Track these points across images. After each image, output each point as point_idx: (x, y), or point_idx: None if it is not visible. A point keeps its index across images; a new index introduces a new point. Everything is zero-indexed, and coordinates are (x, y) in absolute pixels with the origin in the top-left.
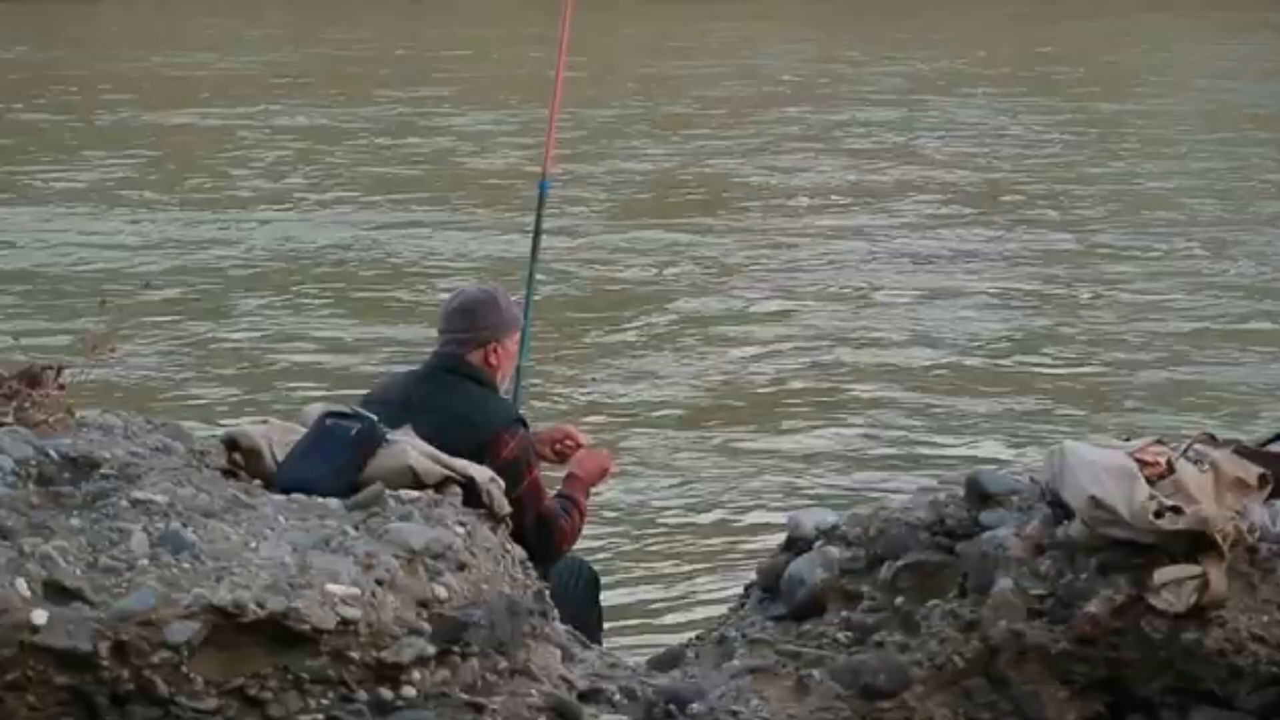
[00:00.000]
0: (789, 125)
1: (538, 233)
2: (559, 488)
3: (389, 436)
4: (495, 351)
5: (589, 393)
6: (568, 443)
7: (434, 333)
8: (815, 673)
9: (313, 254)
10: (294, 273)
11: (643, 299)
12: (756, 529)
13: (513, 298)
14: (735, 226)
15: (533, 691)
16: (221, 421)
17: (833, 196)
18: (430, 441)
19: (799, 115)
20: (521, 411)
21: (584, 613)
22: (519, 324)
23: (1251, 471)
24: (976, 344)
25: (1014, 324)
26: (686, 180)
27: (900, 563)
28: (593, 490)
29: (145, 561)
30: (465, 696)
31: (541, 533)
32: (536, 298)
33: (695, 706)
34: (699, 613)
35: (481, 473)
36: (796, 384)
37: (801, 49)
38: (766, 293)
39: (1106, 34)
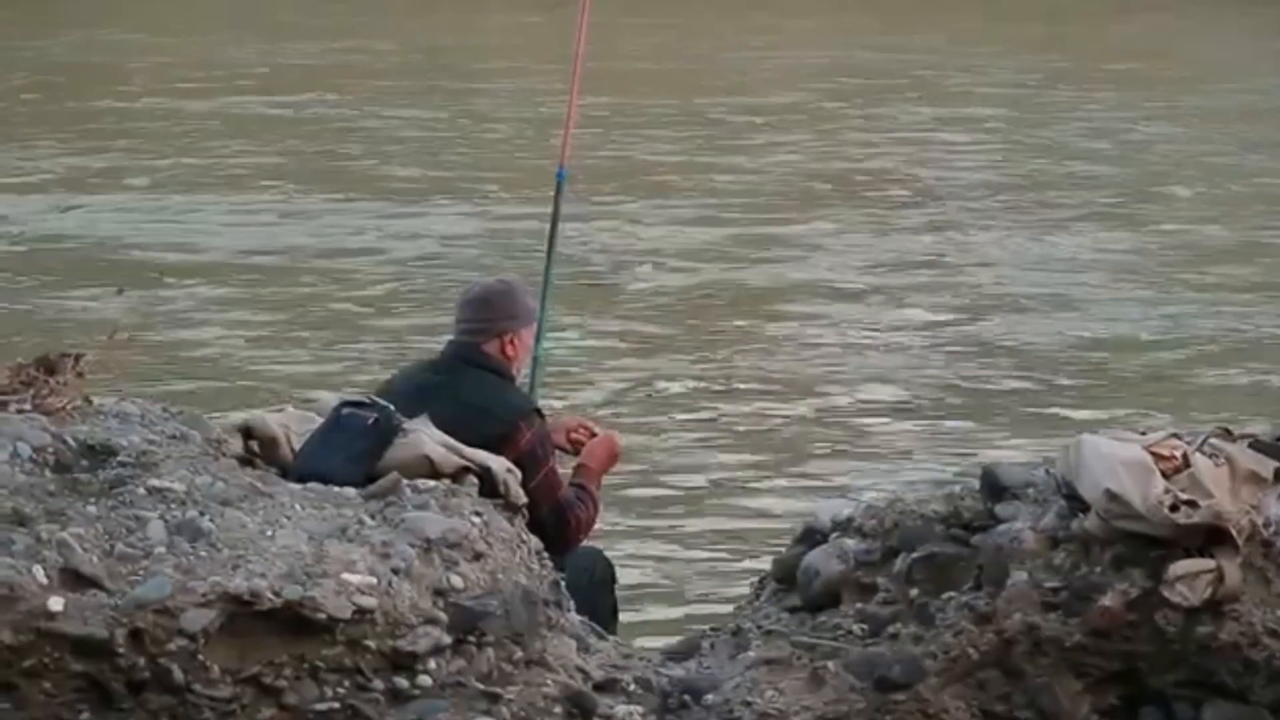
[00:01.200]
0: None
1: (555, 221)
2: (572, 478)
3: (405, 426)
4: (511, 342)
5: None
6: (582, 431)
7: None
8: (830, 664)
9: None
10: None
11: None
12: (773, 519)
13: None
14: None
15: (548, 681)
16: None
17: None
18: (446, 431)
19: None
20: (539, 401)
21: (599, 604)
22: (535, 315)
23: (1267, 466)
24: None
25: None
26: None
27: (915, 555)
28: (605, 476)
29: (162, 549)
30: (481, 686)
31: (557, 523)
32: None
33: (710, 697)
34: (714, 604)
35: (498, 463)
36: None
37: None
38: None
39: None
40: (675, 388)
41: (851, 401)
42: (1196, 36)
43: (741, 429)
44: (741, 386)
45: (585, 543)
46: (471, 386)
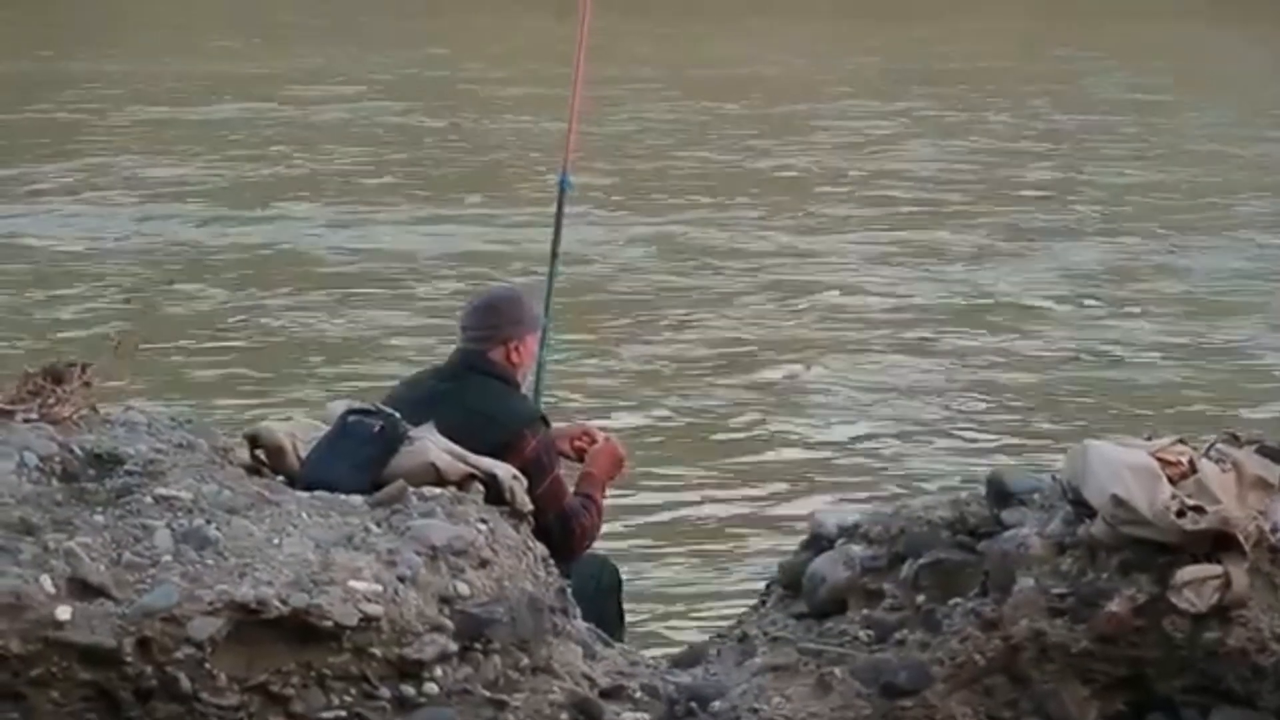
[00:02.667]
0: None
1: (559, 228)
2: (577, 486)
3: (411, 434)
4: (517, 350)
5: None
6: (584, 439)
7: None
8: (837, 671)
9: None
10: None
11: None
12: (780, 526)
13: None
14: None
15: (554, 689)
16: None
17: None
18: (452, 439)
19: None
20: (543, 407)
21: (606, 611)
22: (540, 322)
23: (1274, 471)
24: None
25: None
26: None
27: (922, 561)
28: (610, 483)
29: (169, 558)
30: (487, 693)
31: (562, 531)
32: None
33: (717, 704)
34: (721, 611)
35: (504, 470)
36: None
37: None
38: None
39: None
40: None
41: None
42: None
43: None
44: None
45: (591, 550)
46: (477, 394)
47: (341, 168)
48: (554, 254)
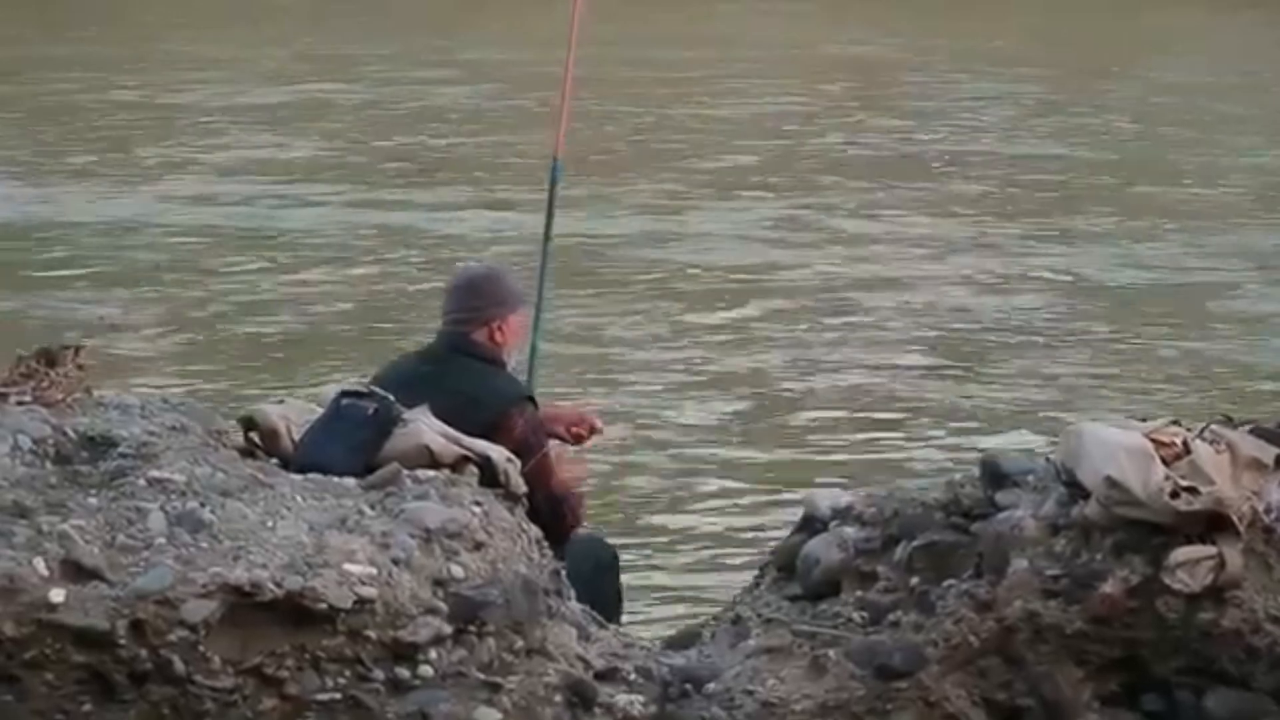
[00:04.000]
0: None
1: (550, 213)
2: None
3: (405, 416)
4: (500, 329)
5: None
6: (582, 426)
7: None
8: (830, 653)
9: None
10: None
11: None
12: (773, 507)
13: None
14: None
15: (549, 671)
16: None
17: None
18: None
19: None
20: (535, 388)
21: (603, 593)
22: (523, 300)
23: (1268, 452)
24: None
25: None
26: None
27: (916, 543)
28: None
29: (163, 540)
30: (482, 676)
31: (552, 512)
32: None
33: (711, 686)
34: (715, 593)
35: (498, 452)
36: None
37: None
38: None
39: None
40: None
41: None
42: None
43: None
44: None
45: (588, 530)
46: (462, 375)
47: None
48: (547, 237)
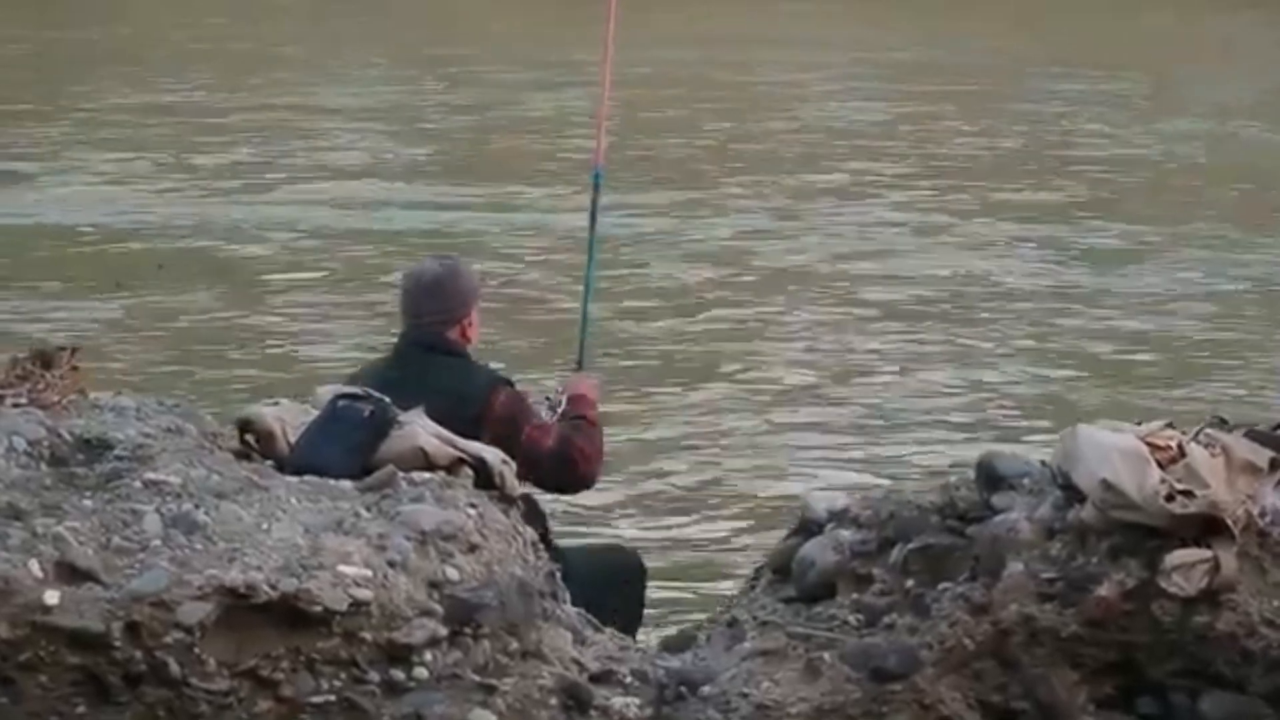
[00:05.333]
0: None
1: (594, 219)
2: (563, 413)
3: (401, 419)
4: (469, 324)
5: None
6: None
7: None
8: (826, 655)
9: None
10: None
11: None
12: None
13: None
14: None
15: (544, 673)
16: None
17: None
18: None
19: None
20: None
21: (627, 603)
22: (479, 291)
23: (1263, 455)
24: None
25: None
26: None
27: (911, 546)
28: (598, 401)
29: (158, 542)
30: (476, 678)
31: (562, 464)
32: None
33: (706, 689)
34: (710, 595)
35: (493, 454)
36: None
37: None
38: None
39: None
40: None
41: None
42: None
43: None
44: None
45: (620, 543)
46: (443, 375)
47: None
48: (591, 246)
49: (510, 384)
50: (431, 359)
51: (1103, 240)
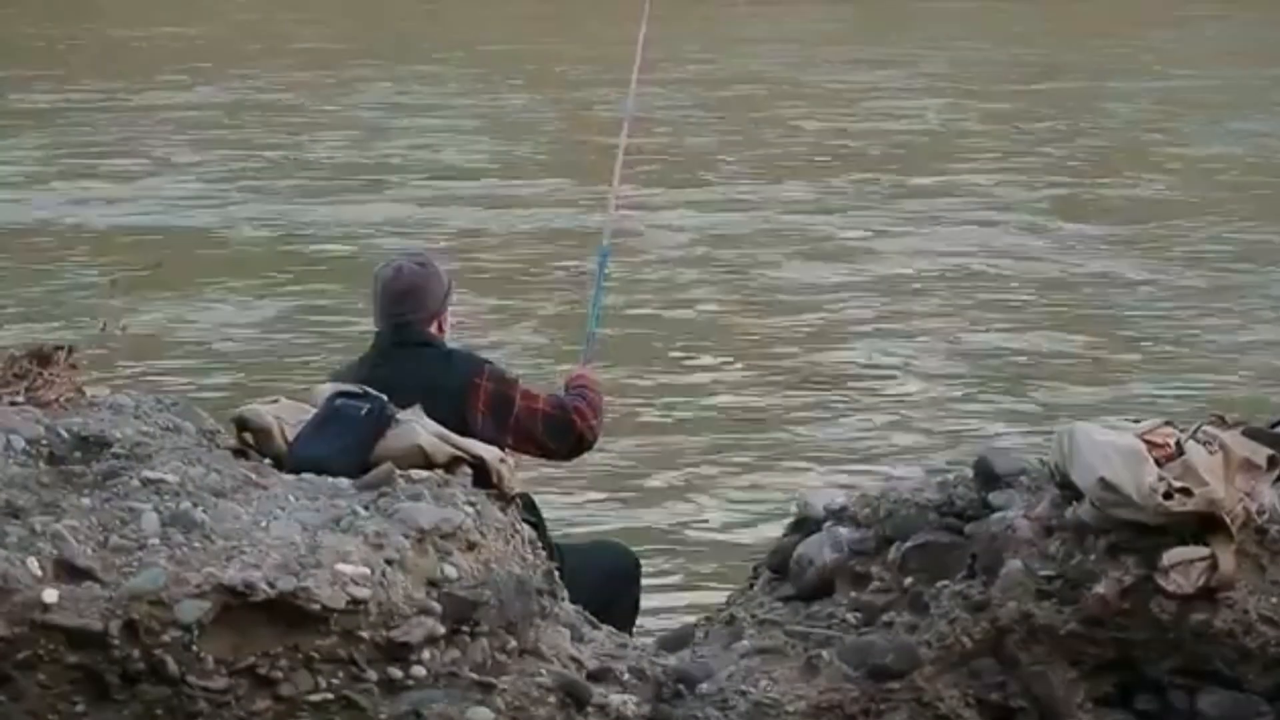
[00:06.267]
0: None
1: (598, 296)
2: (565, 387)
3: (398, 417)
4: (443, 321)
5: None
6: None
7: None
8: (824, 653)
9: None
10: None
11: None
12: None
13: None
14: None
15: (542, 671)
16: None
17: None
18: None
19: None
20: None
21: (620, 600)
22: (452, 288)
23: (1261, 453)
24: None
25: None
26: None
27: (909, 544)
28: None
29: (156, 541)
30: (475, 676)
31: (563, 427)
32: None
33: (704, 686)
34: (708, 594)
35: (491, 453)
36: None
37: None
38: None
39: None
40: None
41: None
42: None
43: None
44: None
45: (613, 540)
46: (425, 367)
47: None
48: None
49: (491, 363)
50: (413, 353)
51: None
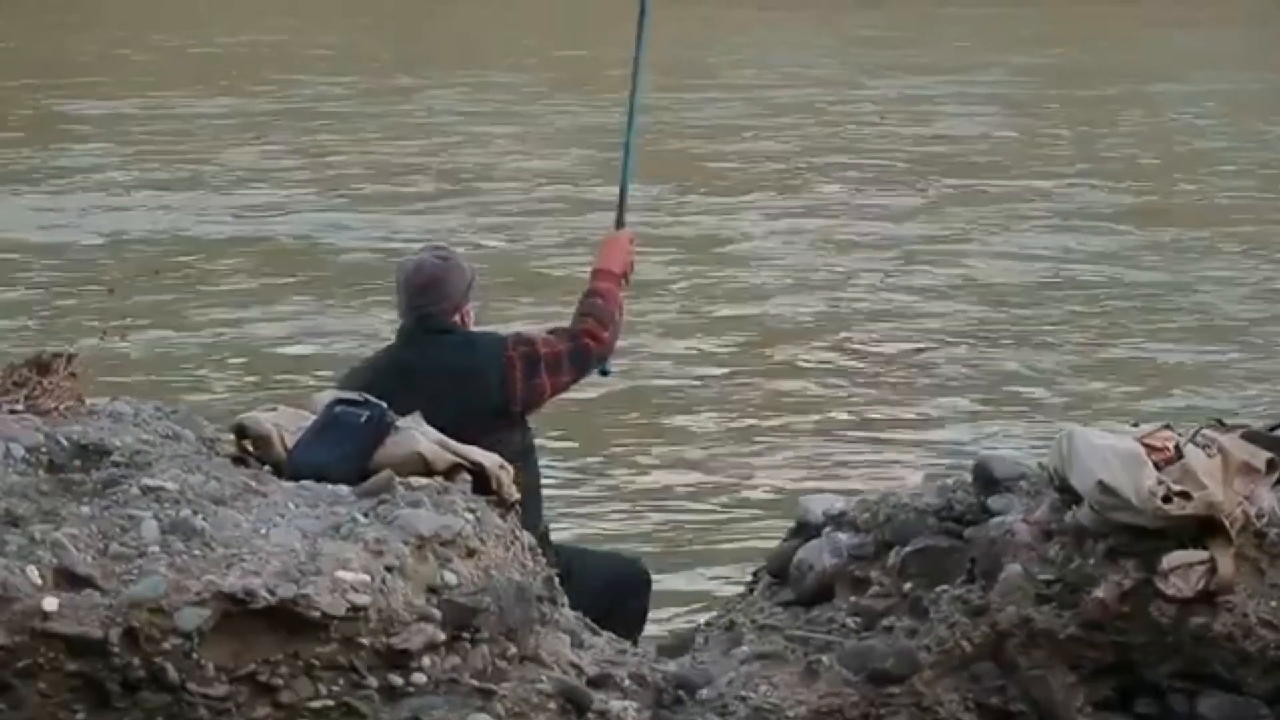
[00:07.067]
0: None
1: (640, 47)
2: (590, 282)
3: (398, 423)
4: (466, 313)
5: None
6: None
7: None
8: (824, 658)
9: None
10: None
11: None
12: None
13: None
14: None
15: (542, 678)
16: None
17: None
18: (445, 401)
19: None
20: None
21: (628, 611)
22: (474, 278)
23: (1260, 456)
24: None
25: None
26: None
27: (909, 548)
28: (626, 278)
29: (156, 548)
30: (475, 683)
31: (579, 357)
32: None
33: (704, 692)
34: (708, 599)
35: (490, 459)
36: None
37: None
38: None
39: None
40: None
41: None
42: None
43: None
44: None
45: (624, 553)
46: (452, 352)
47: None
48: (635, 74)
49: (512, 334)
50: (435, 339)
51: None
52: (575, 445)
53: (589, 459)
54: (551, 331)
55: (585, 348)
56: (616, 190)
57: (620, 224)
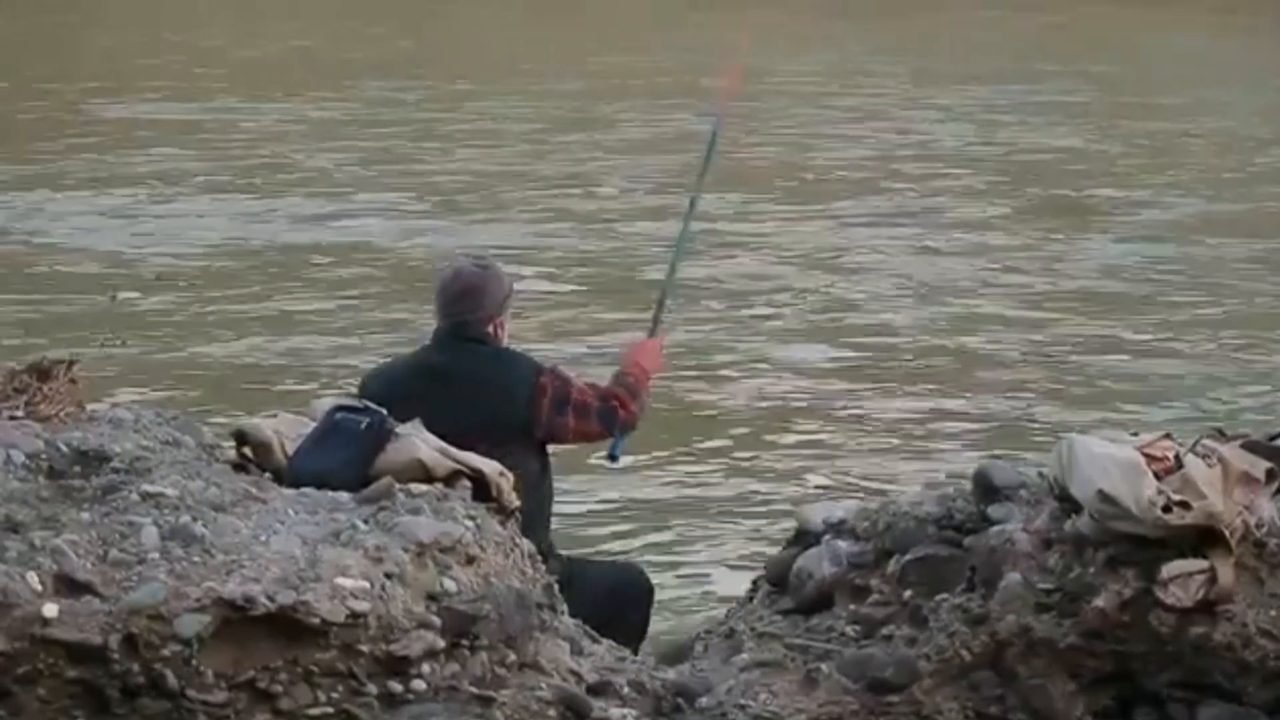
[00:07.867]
0: None
1: (706, 165)
2: (615, 377)
3: (398, 430)
4: (501, 325)
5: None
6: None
7: None
8: (823, 666)
9: None
10: None
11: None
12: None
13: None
14: None
15: (541, 685)
16: None
17: None
18: (470, 412)
19: None
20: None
21: (629, 622)
22: (512, 291)
23: (1259, 466)
24: None
25: None
26: None
27: (908, 557)
28: (652, 375)
29: (155, 555)
30: (474, 690)
31: (607, 417)
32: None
33: (703, 700)
34: (707, 607)
35: (490, 466)
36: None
37: None
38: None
39: None
40: None
41: None
42: None
43: None
44: None
45: (628, 560)
46: (486, 364)
47: None
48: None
49: (549, 366)
50: (466, 347)
51: None
52: (576, 450)
53: (593, 464)
54: (588, 384)
55: (614, 410)
56: (660, 291)
57: (653, 333)
